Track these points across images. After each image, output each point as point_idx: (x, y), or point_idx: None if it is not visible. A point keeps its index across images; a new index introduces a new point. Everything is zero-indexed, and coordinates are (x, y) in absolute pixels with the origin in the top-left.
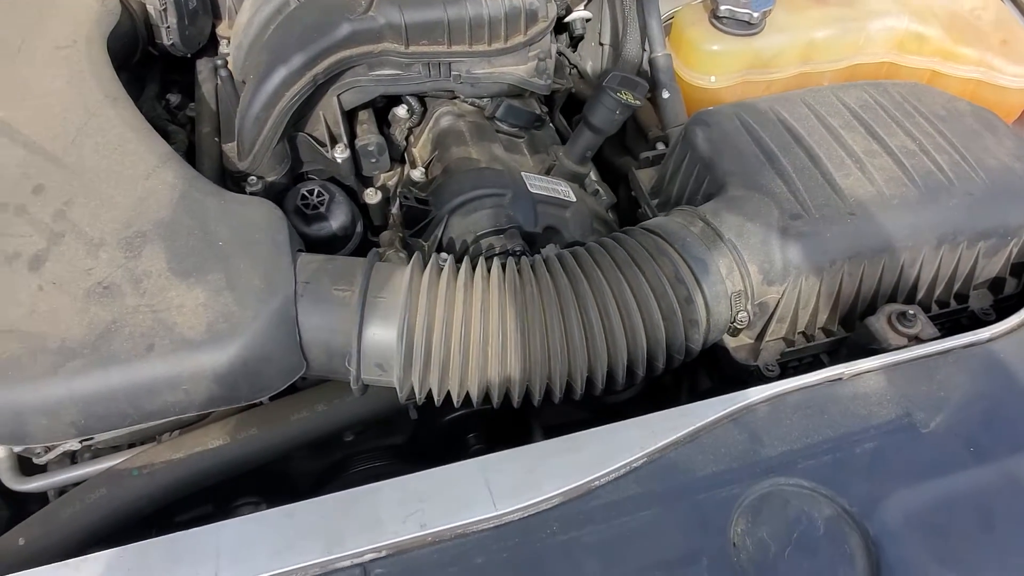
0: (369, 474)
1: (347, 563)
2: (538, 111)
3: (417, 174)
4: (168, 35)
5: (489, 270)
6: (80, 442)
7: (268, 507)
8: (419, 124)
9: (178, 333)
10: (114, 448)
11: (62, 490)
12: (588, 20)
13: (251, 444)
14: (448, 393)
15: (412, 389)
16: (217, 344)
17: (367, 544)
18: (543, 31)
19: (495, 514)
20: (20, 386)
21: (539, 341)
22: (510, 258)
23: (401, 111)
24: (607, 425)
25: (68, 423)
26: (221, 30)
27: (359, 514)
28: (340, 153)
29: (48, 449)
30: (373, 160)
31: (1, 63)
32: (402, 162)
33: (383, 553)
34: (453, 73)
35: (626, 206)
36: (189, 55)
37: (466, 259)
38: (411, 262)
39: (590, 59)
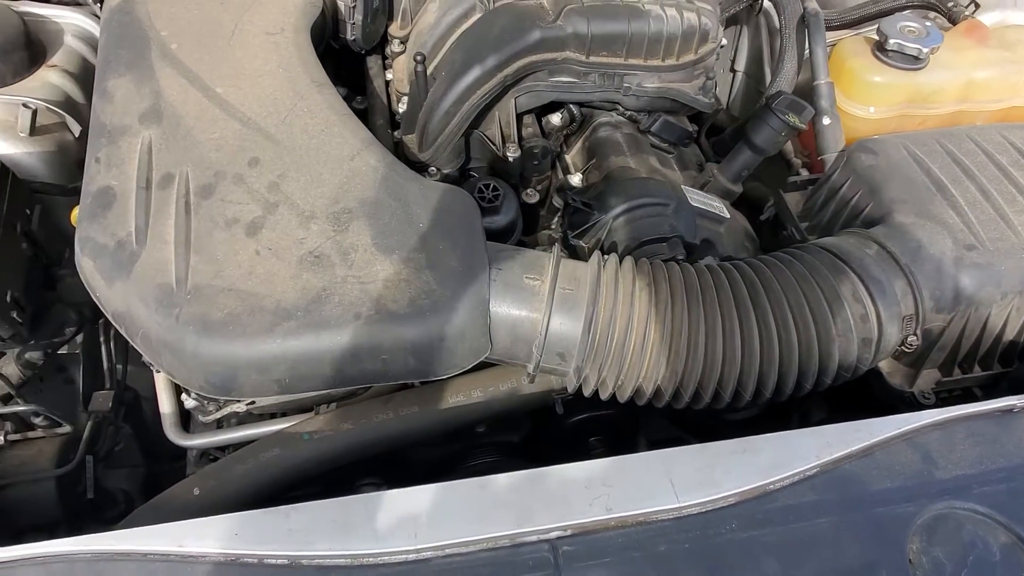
0: (484, 468)
1: (535, 538)
2: (690, 129)
3: (575, 179)
4: (352, 31)
5: (668, 272)
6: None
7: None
8: (575, 132)
9: (383, 305)
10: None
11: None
12: (722, 46)
13: (410, 421)
14: (616, 387)
15: (583, 380)
16: (419, 319)
17: (555, 522)
18: (711, 51)
19: (677, 505)
20: (238, 341)
21: (718, 344)
22: (684, 263)
23: (555, 118)
24: (780, 432)
25: (275, 380)
26: (392, 30)
27: (547, 493)
28: (512, 152)
29: (220, 407)
30: (536, 162)
31: (217, 44)
32: (552, 167)
33: (569, 532)
34: (624, 85)
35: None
36: (364, 51)
37: (643, 260)
38: (593, 259)
39: (720, 85)
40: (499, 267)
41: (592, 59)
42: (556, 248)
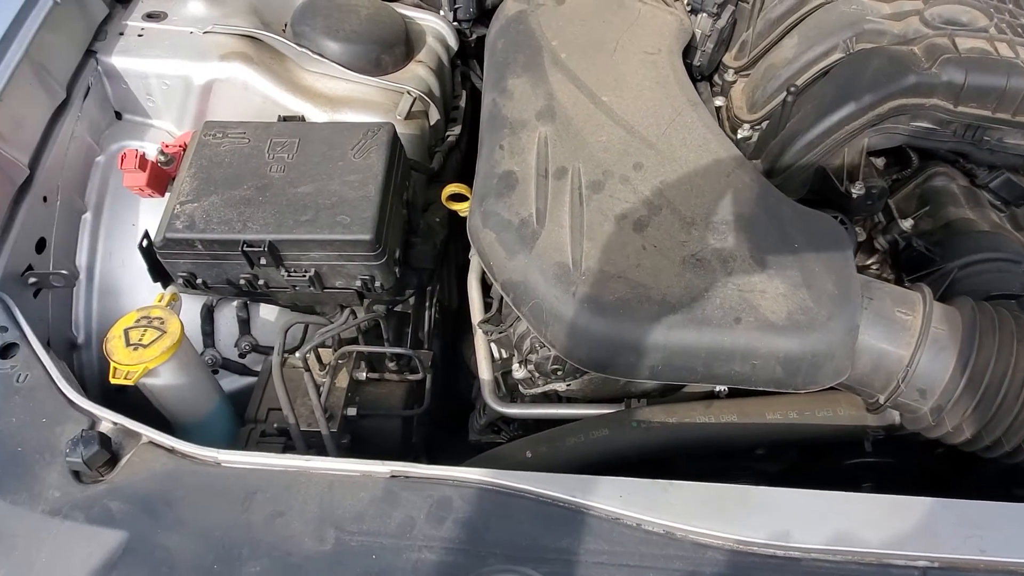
0: None
1: (903, 563)
2: None
3: (906, 224)
4: (700, 57)
5: None
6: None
7: None
8: (906, 178)
9: (762, 314)
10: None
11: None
12: None
13: (728, 429)
14: (973, 433)
15: (937, 421)
16: (795, 332)
17: (924, 551)
18: None
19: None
20: (626, 324)
21: None
22: None
23: (879, 161)
24: None
25: (648, 366)
26: (727, 59)
27: (915, 521)
28: (856, 190)
29: (546, 383)
30: (870, 202)
31: (601, 58)
32: None
33: (936, 564)
34: (984, 138)
35: None
36: (701, 77)
37: (1017, 312)
38: (964, 303)
39: None
40: (870, 296)
41: (960, 109)
42: (926, 287)
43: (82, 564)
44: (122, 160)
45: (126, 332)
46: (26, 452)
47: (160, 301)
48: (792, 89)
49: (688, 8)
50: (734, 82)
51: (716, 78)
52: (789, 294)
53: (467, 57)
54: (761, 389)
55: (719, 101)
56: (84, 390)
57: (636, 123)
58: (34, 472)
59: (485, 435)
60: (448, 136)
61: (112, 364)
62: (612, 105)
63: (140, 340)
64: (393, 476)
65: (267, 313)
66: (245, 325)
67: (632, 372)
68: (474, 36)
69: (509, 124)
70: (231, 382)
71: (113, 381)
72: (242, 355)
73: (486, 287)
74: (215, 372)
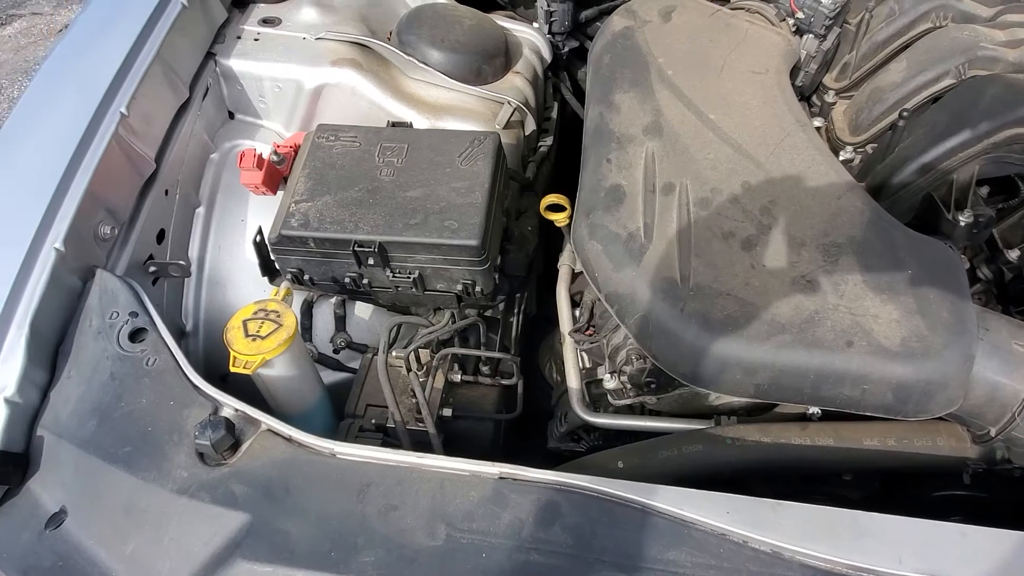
0: None
1: None
2: None
3: (1013, 255)
4: (803, 78)
5: None
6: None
7: None
8: (1013, 208)
9: (874, 339)
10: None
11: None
12: None
13: (823, 453)
14: None
15: None
16: (909, 359)
17: None
18: None
19: None
20: (735, 342)
21: None
22: None
23: (983, 190)
24: None
25: (755, 383)
26: (827, 81)
27: None
28: (964, 218)
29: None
30: (976, 232)
31: (708, 76)
32: None
33: None
34: None
35: None
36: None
37: None
38: None
39: None
40: (986, 327)
41: None
42: None
43: (207, 542)
44: (241, 158)
45: (245, 323)
46: (156, 432)
47: (275, 295)
48: (904, 113)
49: (793, 28)
50: (834, 103)
51: (815, 99)
52: (903, 320)
53: (558, 69)
54: (867, 414)
55: (818, 122)
56: None
57: (744, 142)
58: (164, 451)
59: (565, 443)
60: (541, 146)
61: (232, 353)
62: (719, 123)
63: (258, 331)
64: (502, 477)
65: (362, 311)
66: (341, 322)
67: (737, 389)
68: (566, 49)
69: (616, 138)
70: (324, 376)
71: (232, 369)
72: (336, 351)
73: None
74: None
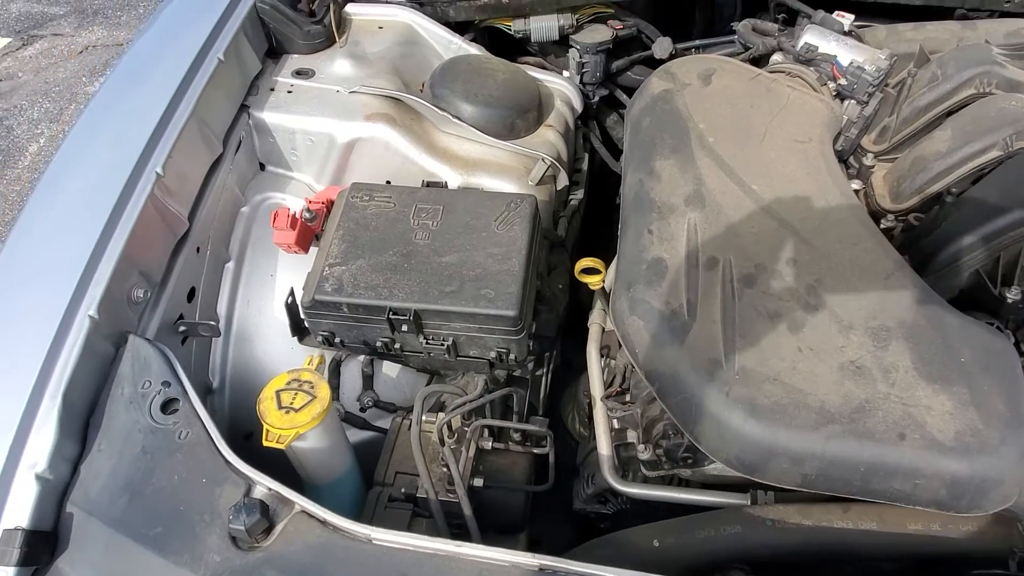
0: None
1: None
2: None
3: None
4: (843, 142)
5: None
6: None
7: None
8: None
9: (928, 432)
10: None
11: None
12: None
13: (866, 538)
14: None
15: None
16: (964, 454)
17: None
18: None
19: None
20: (782, 431)
21: None
22: None
23: None
24: None
25: (802, 473)
26: (866, 143)
27: None
28: (1012, 295)
29: (674, 467)
30: (1021, 306)
31: (750, 143)
32: None
33: None
34: None
35: None
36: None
37: None
38: None
39: None
40: None
41: None
42: None
43: None
44: (275, 218)
45: (278, 394)
46: (188, 512)
47: (309, 363)
48: (953, 190)
49: (834, 93)
50: (873, 167)
51: (852, 160)
52: (957, 412)
53: (588, 118)
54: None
55: (856, 184)
56: None
57: (788, 215)
58: (195, 533)
59: (591, 504)
60: (571, 200)
61: (265, 426)
62: (763, 194)
63: (291, 404)
64: (542, 570)
65: (389, 370)
66: (369, 380)
67: (783, 479)
68: (596, 98)
69: (657, 208)
70: (350, 435)
71: (265, 443)
72: (363, 409)
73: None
74: None
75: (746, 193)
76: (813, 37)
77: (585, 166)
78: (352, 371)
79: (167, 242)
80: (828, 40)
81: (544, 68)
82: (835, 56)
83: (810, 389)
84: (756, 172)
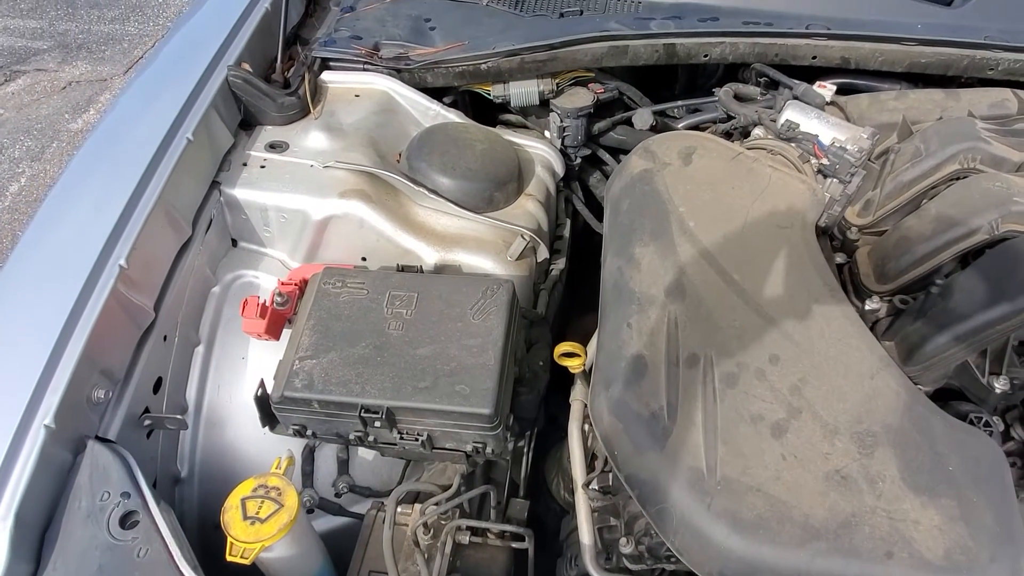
0: None
1: None
2: None
3: None
4: (827, 218)
5: None
6: None
7: None
8: None
9: (916, 549)
10: None
11: None
12: None
13: None
14: None
15: None
16: (954, 574)
17: None
18: None
19: None
20: (766, 547)
21: None
22: None
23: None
24: None
25: None
26: (850, 216)
27: None
28: (1000, 385)
29: (655, 563)
30: (1012, 392)
31: (731, 229)
32: None
33: None
34: None
35: None
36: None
37: None
38: None
39: None
40: None
41: None
42: None
43: None
44: (243, 307)
45: (243, 503)
46: None
47: (277, 466)
48: (938, 282)
49: (816, 170)
50: (857, 240)
51: (837, 231)
52: (945, 528)
53: (570, 179)
54: None
55: (840, 258)
56: (183, 527)
57: (770, 308)
58: None
59: None
60: (552, 270)
61: (229, 539)
62: (744, 285)
63: (257, 513)
64: None
65: (365, 453)
66: (344, 465)
67: None
68: (578, 159)
69: (637, 299)
70: (325, 522)
71: (229, 558)
72: (338, 495)
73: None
74: (310, 512)
75: (728, 284)
76: (794, 114)
77: (567, 232)
78: (327, 456)
79: (131, 336)
80: (809, 117)
81: (525, 127)
82: (816, 135)
83: (795, 501)
84: (738, 260)
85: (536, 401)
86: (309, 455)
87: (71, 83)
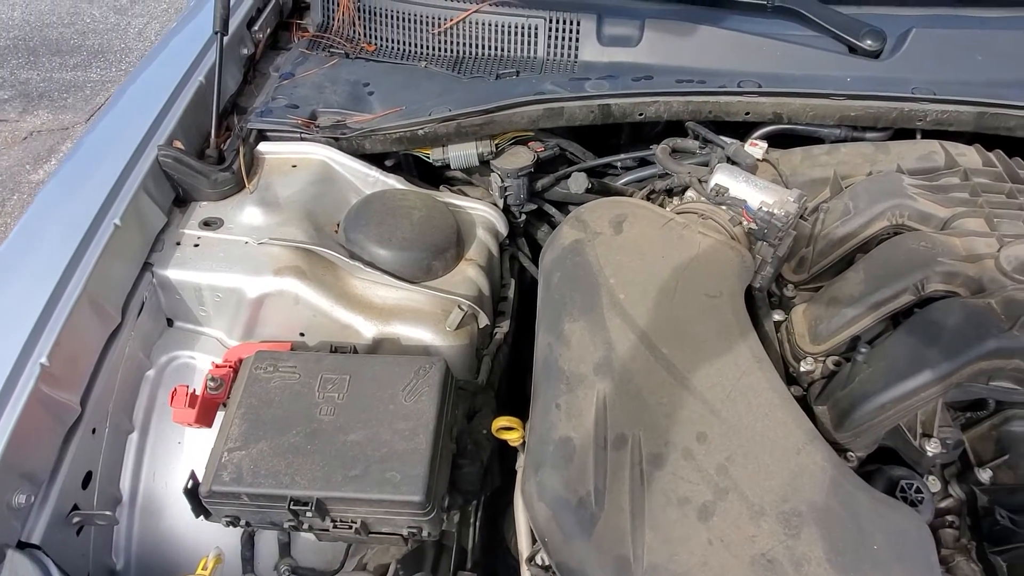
0: None
1: None
2: None
3: (984, 476)
4: (760, 280)
5: None
6: None
7: None
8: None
9: None
10: None
11: None
12: None
13: None
14: None
15: None
16: None
17: None
18: None
19: None
20: None
21: None
22: None
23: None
24: None
25: None
26: (787, 273)
27: None
28: (932, 448)
29: None
30: (945, 452)
31: (661, 301)
32: None
33: None
34: None
35: None
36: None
37: None
38: None
39: None
40: None
41: None
42: None
43: None
44: (172, 397)
45: None
46: None
47: (204, 568)
48: (863, 349)
49: (747, 231)
50: (794, 297)
51: (774, 288)
52: None
53: (516, 236)
54: None
55: (778, 315)
56: None
57: (698, 382)
58: None
59: None
60: (496, 333)
61: None
62: (673, 359)
63: None
64: None
65: (307, 533)
66: (286, 548)
67: None
68: (523, 216)
69: (566, 378)
70: None
71: None
72: None
73: None
74: None
75: (656, 359)
76: (723, 178)
77: (511, 293)
78: (267, 539)
79: (55, 435)
80: (738, 181)
81: (471, 184)
82: (744, 200)
83: None
84: (667, 333)
85: (479, 472)
86: (248, 540)
87: (32, 132)
